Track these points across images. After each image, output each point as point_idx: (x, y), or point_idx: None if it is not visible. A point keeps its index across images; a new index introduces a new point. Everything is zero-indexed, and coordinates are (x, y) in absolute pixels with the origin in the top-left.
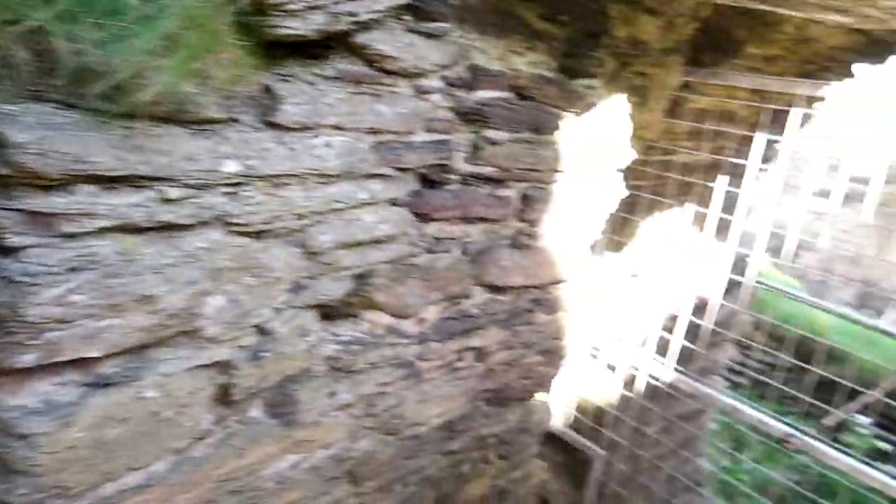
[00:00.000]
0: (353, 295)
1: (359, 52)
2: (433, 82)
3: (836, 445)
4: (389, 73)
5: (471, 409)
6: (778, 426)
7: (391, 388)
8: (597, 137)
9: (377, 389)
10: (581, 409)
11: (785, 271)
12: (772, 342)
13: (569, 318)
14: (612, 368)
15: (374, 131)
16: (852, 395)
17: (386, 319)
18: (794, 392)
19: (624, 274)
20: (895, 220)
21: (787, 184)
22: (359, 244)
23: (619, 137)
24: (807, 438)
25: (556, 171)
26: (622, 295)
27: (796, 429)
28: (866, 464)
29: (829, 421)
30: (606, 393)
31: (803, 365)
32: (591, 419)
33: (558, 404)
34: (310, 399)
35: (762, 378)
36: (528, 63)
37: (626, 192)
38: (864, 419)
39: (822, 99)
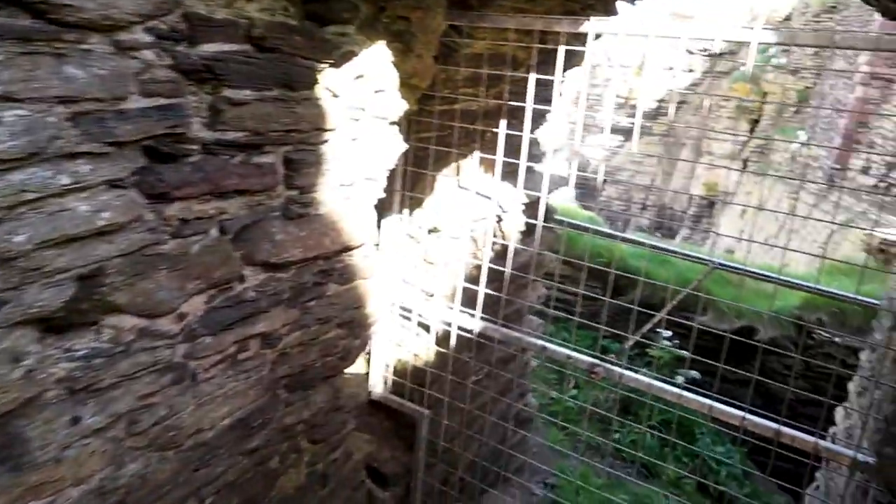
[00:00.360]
0: (81, 300)
1: (17, 1)
2: (139, 36)
3: (634, 368)
4: (71, 26)
5: (268, 401)
6: (583, 359)
7: (158, 397)
8: (362, 89)
9: (139, 403)
10: (400, 372)
11: (592, 208)
12: (581, 275)
13: (369, 284)
14: (425, 326)
15: (66, 100)
16: (652, 314)
17: (134, 322)
18: (590, 323)
19: (423, 229)
20: (676, 150)
21: (579, 122)
22: (73, 240)
23: (385, 88)
24: (608, 366)
25: (323, 129)
26: (424, 251)
27: (598, 358)
28: (660, 380)
29: (632, 340)
30: (423, 352)
31: (594, 296)
32: (412, 380)
33: (376, 372)
34: (44, 433)
35: (571, 310)
36: (262, 10)
37: (404, 146)
38: (666, 333)
39: (588, 36)
